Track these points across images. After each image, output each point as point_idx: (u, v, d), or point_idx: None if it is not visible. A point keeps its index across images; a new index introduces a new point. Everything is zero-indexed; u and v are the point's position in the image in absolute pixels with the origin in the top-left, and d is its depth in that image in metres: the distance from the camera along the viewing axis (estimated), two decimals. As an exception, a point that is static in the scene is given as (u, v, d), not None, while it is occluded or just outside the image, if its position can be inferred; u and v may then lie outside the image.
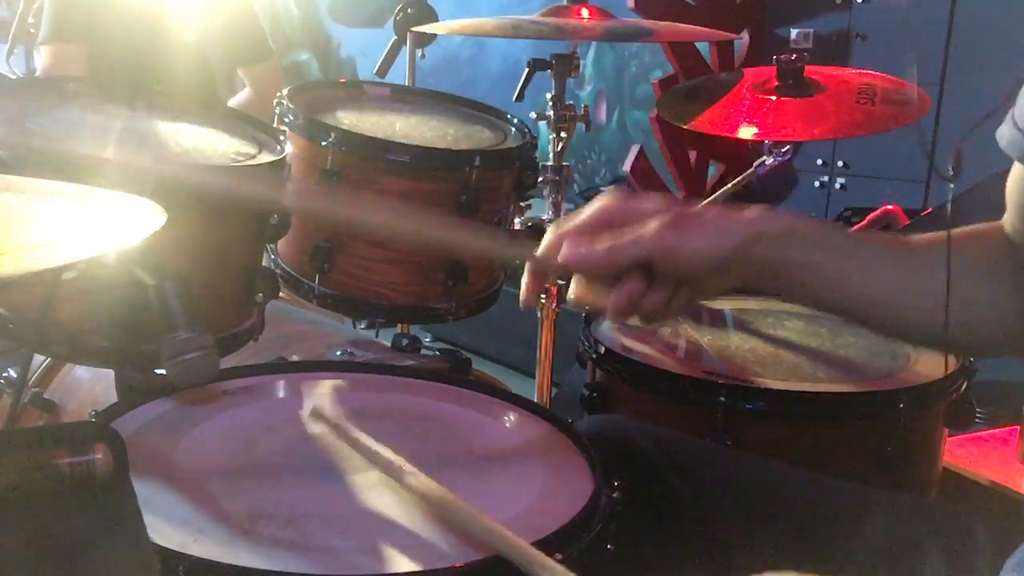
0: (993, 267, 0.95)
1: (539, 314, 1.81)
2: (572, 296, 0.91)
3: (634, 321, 0.92)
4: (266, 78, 2.63)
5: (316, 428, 1.03)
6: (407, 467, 0.90)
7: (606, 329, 1.47)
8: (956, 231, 0.95)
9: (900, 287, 0.93)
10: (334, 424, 1.00)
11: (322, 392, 1.15)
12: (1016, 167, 0.93)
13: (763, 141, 1.82)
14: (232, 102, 2.75)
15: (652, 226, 0.86)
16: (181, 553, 0.75)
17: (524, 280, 0.92)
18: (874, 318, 0.97)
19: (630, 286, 0.88)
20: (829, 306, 0.98)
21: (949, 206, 0.90)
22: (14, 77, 2.65)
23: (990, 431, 1.70)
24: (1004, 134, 0.90)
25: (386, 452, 0.93)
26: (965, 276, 0.93)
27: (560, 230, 0.90)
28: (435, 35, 2.32)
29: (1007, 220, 0.97)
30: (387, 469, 0.91)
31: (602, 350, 1.37)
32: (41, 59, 2.45)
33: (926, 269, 0.93)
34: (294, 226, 1.28)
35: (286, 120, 1.38)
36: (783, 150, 1.83)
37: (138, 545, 0.63)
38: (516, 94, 1.89)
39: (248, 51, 2.68)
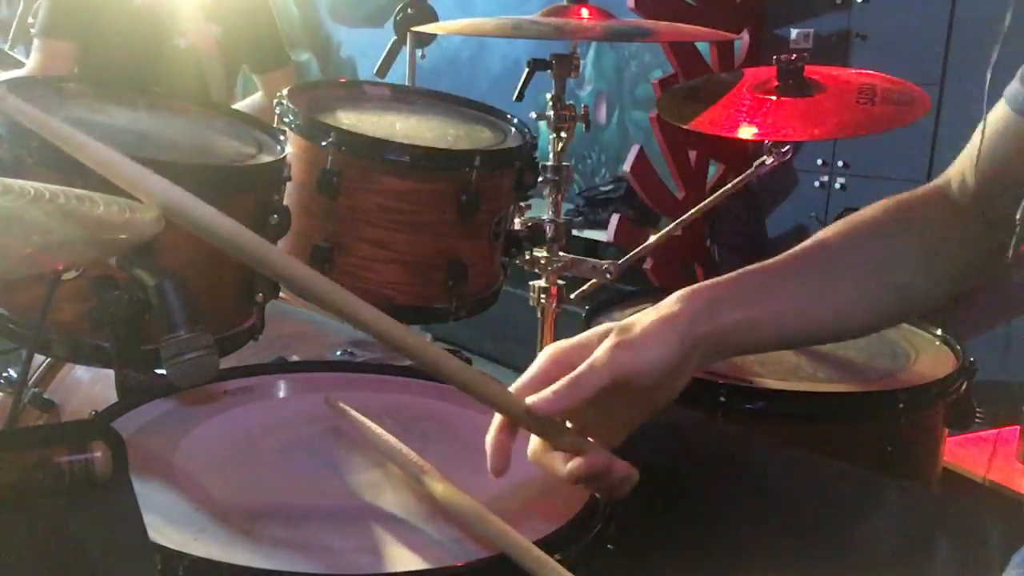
0: (932, 247, 0.99)
1: (539, 314, 1.81)
2: (531, 454, 0.89)
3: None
4: (281, 84, 2.63)
5: (328, 426, 1.03)
6: (425, 466, 0.90)
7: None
8: (881, 212, 1.01)
9: (834, 303, 0.96)
10: (353, 417, 1.00)
11: (322, 392, 1.15)
12: (1009, 114, 0.94)
13: (763, 141, 1.82)
14: (241, 105, 2.75)
15: (600, 353, 0.86)
16: (181, 552, 0.75)
17: (492, 436, 0.89)
18: (822, 335, 1.02)
19: (598, 458, 0.86)
20: (778, 346, 1.02)
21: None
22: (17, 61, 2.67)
23: (990, 431, 1.70)
24: (1011, 90, 0.92)
25: (400, 447, 0.93)
26: (900, 266, 0.97)
27: (514, 387, 0.89)
28: (435, 35, 2.33)
29: (960, 170, 1.00)
30: (403, 466, 0.91)
31: (602, 350, 1.36)
32: (33, 51, 2.46)
33: (850, 274, 0.96)
34: (294, 226, 1.28)
35: (286, 120, 1.38)
36: (783, 150, 1.83)
37: (137, 544, 0.63)
38: (516, 94, 1.89)
39: (266, 58, 2.70)
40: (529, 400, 0.85)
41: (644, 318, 0.90)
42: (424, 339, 0.86)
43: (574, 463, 0.85)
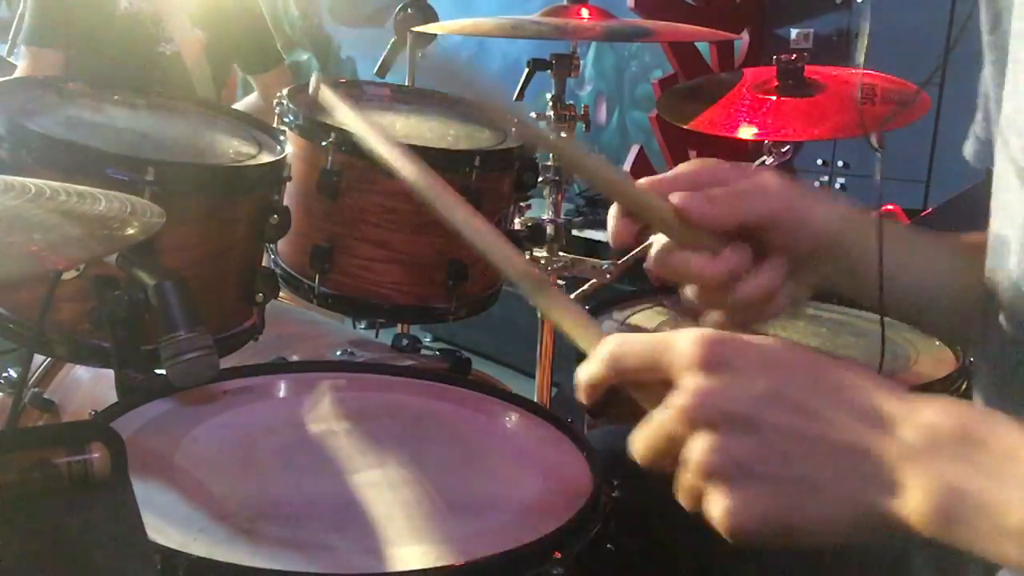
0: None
1: (539, 314, 1.81)
2: (657, 258, 0.78)
3: (713, 316, 0.80)
4: (276, 84, 2.64)
5: (328, 426, 1.03)
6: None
7: (606, 329, 1.47)
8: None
9: (957, 289, 0.89)
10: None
11: (322, 392, 1.15)
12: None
13: (763, 141, 1.82)
14: (238, 106, 2.76)
15: (776, 181, 0.78)
16: (181, 552, 0.75)
17: (613, 217, 0.79)
18: (927, 319, 0.94)
19: (739, 254, 0.76)
20: (894, 306, 0.90)
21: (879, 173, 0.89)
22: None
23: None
24: (969, 150, 0.90)
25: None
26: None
27: (653, 179, 0.79)
28: (435, 35, 2.32)
29: None
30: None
31: (602, 350, 1.36)
32: (20, 59, 2.46)
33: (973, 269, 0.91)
34: (294, 226, 1.28)
35: (286, 120, 1.38)
36: (783, 150, 1.83)
37: (137, 544, 0.63)
38: (516, 94, 1.89)
39: (258, 59, 2.70)
40: (677, 199, 0.75)
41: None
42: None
43: (710, 261, 0.75)
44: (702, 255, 0.76)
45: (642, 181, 0.80)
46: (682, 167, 0.80)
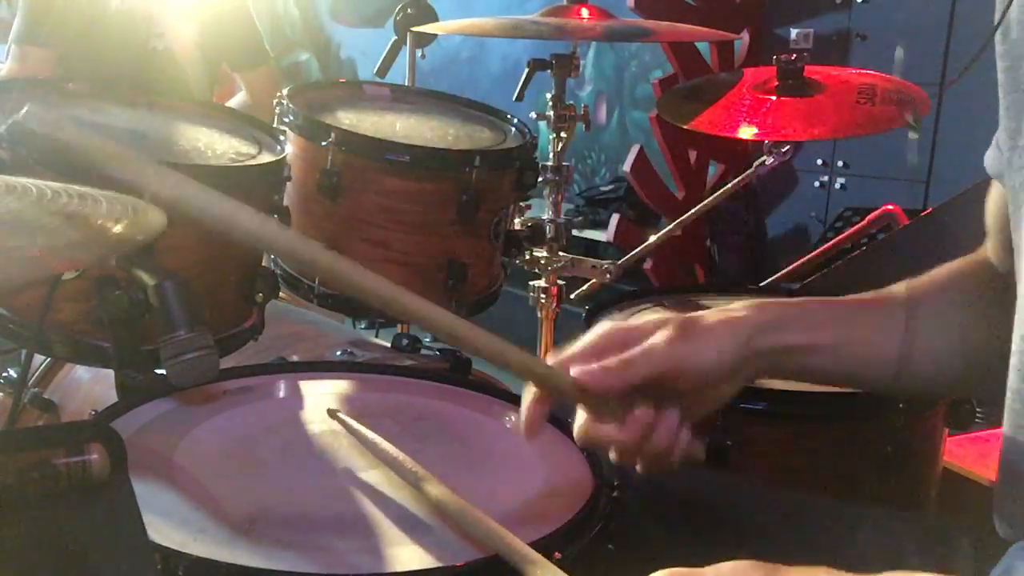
0: (983, 301, 0.96)
1: (539, 314, 1.81)
2: (579, 432, 0.88)
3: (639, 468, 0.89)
4: (263, 82, 2.64)
5: (328, 426, 1.03)
6: (421, 472, 0.89)
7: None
8: (945, 270, 0.98)
9: (898, 349, 0.94)
10: (350, 425, 1.00)
11: (322, 392, 1.15)
12: (996, 189, 0.93)
13: (763, 141, 1.82)
14: (229, 104, 2.75)
15: (659, 339, 0.85)
16: (181, 552, 0.75)
17: (526, 405, 0.87)
18: (883, 374, 0.97)
19: (641, 413, 0.85)
20: (835, 378, 1.00)
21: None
22: None
23: (990, 431, 1.70)
24: (991, 163, 0.90)
25: (399, 454, 0.93)
26: (975, 331, 0.94)
27: (561, 357, 0.87)
28: (435, 35, 2.33)
29: (989, 247, 0.97)
30: (401, 473, 0.91)
31: (602, 350, 1.36)
32: (10, 57, 2.46)
33: (924, 323, 0.94)
34: (294, 226, 1.29)
35: (286, 120, 1.38)
36: (783, 150, 1.83)
37: (137, 544, 0.63)
38: (516, 94, 1.89)
39: (245, 56, 2.69)
40: (576, 372, 0.84)
41: (708, 316, 0.88)
42: (456, 318, 0.82)
43: (620, 429, 0.85)
44: (613, 425, 0.86)
45: (549, 360, 0.88)
46: (587, 338, 0.88)
